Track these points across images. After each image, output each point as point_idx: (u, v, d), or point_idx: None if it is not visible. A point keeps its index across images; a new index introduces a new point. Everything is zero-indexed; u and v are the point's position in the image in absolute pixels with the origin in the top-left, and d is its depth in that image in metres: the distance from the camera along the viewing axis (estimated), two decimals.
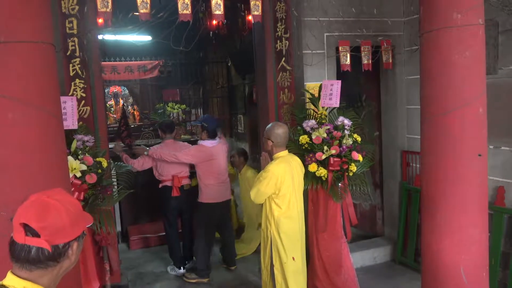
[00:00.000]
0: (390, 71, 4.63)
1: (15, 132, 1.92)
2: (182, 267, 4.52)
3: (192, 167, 4.48)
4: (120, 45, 9.15)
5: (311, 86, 4.12)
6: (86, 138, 3.22)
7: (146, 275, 4.65)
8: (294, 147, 3.69)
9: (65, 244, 1.18)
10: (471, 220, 2.49)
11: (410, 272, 4.40)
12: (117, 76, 9.82)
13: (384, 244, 4.82)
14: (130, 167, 4.07)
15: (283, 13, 4.05)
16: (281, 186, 3.09)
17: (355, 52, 4.22)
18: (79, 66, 3.43)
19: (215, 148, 4.24)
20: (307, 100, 4.03)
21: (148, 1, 3.23)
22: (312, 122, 3.69)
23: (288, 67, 4.13)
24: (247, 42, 5.43)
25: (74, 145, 3.08)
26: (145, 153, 4.31)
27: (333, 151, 3.54)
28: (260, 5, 3.63)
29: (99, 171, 3.19)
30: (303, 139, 3.64)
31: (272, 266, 3.20)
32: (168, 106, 9.72)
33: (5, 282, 1.16)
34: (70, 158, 2.97)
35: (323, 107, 3.81)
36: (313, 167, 3.57)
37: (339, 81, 3.73)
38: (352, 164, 3.63)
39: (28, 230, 1.13)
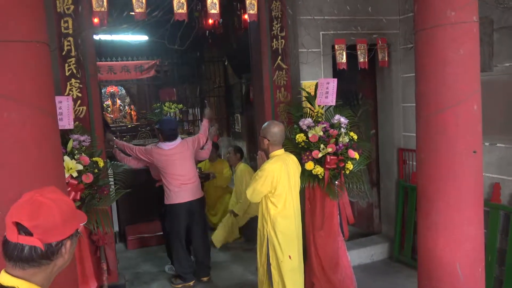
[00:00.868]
0: (386, 69, 4.65)
1: (10, 131, 1.92)
2: None
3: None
4: (116, 45, 9.14)
5: (307, 84, 4.13)
6: (82, 138, 3.22)
7: (144, 274, 4.65)
8: (291, 146, 3.70)
9: (58, 243, 1.18)
10: (466, 217, 2.50)
11: (407, 269, 4.41)
12: (113, 76, 9.82)
13: (381, 241, 4.84)
14: (126, 166, 4.06)
15: (279, 12, 4.05)
16: (277, 185, 3.09)
17: (351, 50, 4.23)
18: (74, 66, 3.43)
19: (172, 150, 4.13)
20: (304, 98, 4.04)
21: (144, 0, 3.23)
22: (308, 121, 3.69)
23: (284, 66, 4.14)
24: (244, 41, 5.42)
25: (70, 145, 3.07)
26: (111, 143, 4.23)
27: (329, 149, 3.55)
28: (255, 3, 3.63)
29: (96, 170, 3.19)
30: (300, 137, 3.65)
31: (268, 264, 3.20)
32: (165, 106, 9.71)
33: None
34: (66, 158, 2.97)
35: (319, 106, 3.82)
36: (309, 165, 3.57)
37: (335, 80, 3.74)
38: (349, 162, 3.63)
39: (21, 228, 1.13)
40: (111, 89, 11.17)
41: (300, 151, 3.64)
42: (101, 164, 3.27)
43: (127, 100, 11.42)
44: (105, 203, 3.26)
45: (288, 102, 4.16)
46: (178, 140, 4.21)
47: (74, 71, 3.43)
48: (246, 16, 4.02)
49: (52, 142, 2.11)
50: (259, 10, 3.78)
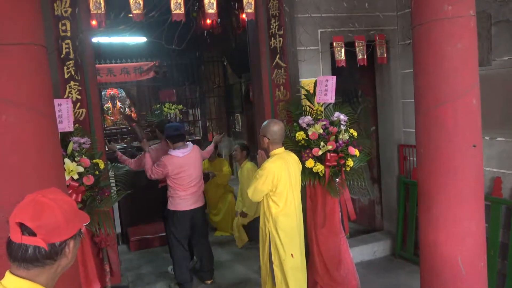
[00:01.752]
0: (385, 65, 4.64)
1: (9, 134, 1.92)
2: None
3: None
4: (115, 47, 9.15)
5: (306, 82, 4.13)
6: (82, 140, 3.22)
7: (147, 275, 4.66)
8: (291, 144, 3.70)
9: (61, 243, 1.19)
10: (467, 211, 2.50)
11: (409, 265, 4.41)
12: (113, 78, 9.83)
13: (383, 238, 4.84)
14: (127, 168, 4.07)
15: (276, 10, 4.05)
16: (278, 184, 3.09)
17: (349, 47, 4.23)
18: (73, 68, 3.43)
19: (186, 158, 4.05)
20: (303, 96, 4.04)
21: (141, 2, 3.24)
22: (308, 118, 3.69)
23: (283, 64, 4.14)
24: (242, 41, 5.42)
25: (70, 147, 3.08)
26: (146, 149, 4.20)
27: (329, 147, 3.55)
28: (253, 2, 3.63)
29: (96, 172, 3.20)
30: (300, 135, 3.65)
31: (271, 263, 3.21)
32: (165, 107, 9.73)
33: (3, 281, 1.18)
34: (67, 160, 2.97)
35: (318, 103, 3.82)
36: (310, 163, 3.57)
37: (334, 77, 3.74)
38: (349, 159, 3.63)
39: (24, 229, 1.15)
40: (111, 91, 11.18)
41: (300, 149, 3.65)
42: (102, 166, 3.27)
43: (127, 102, 11.43)
44: (106, 204, 3.26)
45: (287, 100, 4.16)
46: (190, 147, 4.15)
47: (73, 74, 3.44)
48: (244, 15, 4.01)
49: (52, 144, 2.11)
50: (257, 9, 3.78)
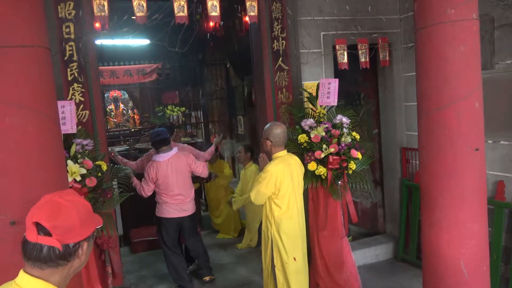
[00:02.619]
0: (388, 68, 4.64)
1: (12, 136, 1.93)
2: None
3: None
4: (118, 50, 9.19)
5: (309, 85, 4.13)
6: (85, 142, 3.23)
7: (149, 277, 4.66)
8: (293, 146, 3.70)
9: (75, 244, 1.21)
10: (470, 214, 2.49)
11: (412, 269, 4.40)
12: (116, 80, 9.87)
13: (386, 241, 4.83)
14: (129, 170, 4.08)
15: (279, 13, 4.06)
16: (280, 186, 3.09)
17: (352, 50, 4.23)
18: (76, 70, 3.44)
19: (166, 162, 4.02)
20: (305, 99, 4.04)
21: (144, 4, 3.25)
22: (310, 121, 3.69)
23: (286, 67, 4.14)
24: (245, 43, 5.43)
25: (73, 149, 3.08)
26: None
27: (332, 150, 3.55)
28: (256, 5, 3.64)
29: (99, 174, 3.20)
30: (302, 138, 3.65)
31: (273, 266, 3.21)
32: (167, 109, 9.74)
33: (17, 280, 1.20)
34: (69, 162, 2.98)
35: (321, 106, 3.82)
36: (312, 166, 3.57)
37: (337, 80, 3.74)
38: (352, 162, 3.63)
39: (40, 229, 1.16)
40: (114, 93, 11.22)
41: (303, 152, 3.64)
42: (104, 167, 3.27)
43: (130, 104, 11.47)
44: (108, 206, 3.27)
45: (289, 103, 4.16)
46: (173, 151, 4.11)
47: (77, 76, 3.45)
48: (246, 18, 4.02)
49: (55, 146, 2.12)
50: (260, 12, 3.79)
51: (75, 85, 3.46)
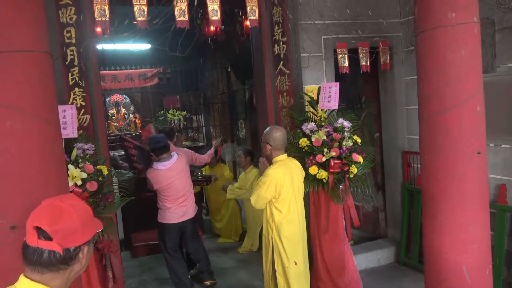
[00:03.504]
0: (389, 72, 4.64)
1: (13, 140, 1.92)
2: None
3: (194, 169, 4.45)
4: (120, 54, 9.22)
5: (310, 89, 4.14)
6: (86, 146, 3.22)
7: (150, 282, 4.65)
8: (294, 150, 3.69)
9: (76, 248, 1.21)
10: (472, 218, 2.48)
11: (414, 273, 4.38)
12: (118, 84, 9.89)
13: (387, 245, 4.81)
14: (131, 174, 4.08)
15: (280, 17, 4.07)
16: (281, 190, 3.08)
17: (353, 54, 4.23)
18: (78, 75, 3.45)
19: (168, 170, 4.03)
20: (306, 103, 4.04)
21: (145, 9, 3.26)
22: (311, 125, 3.69)
23: (286, 71, 4.14)
24: (246, 47, 5.45)
25: (74, 153, 3.08)
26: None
27: (333, 153, 3.54)
28: (256, 10, 3.65)
29: (100, 178, 3.20)
30: (303, 142, 3.64)
31: (274, 270, 3.19)
32: (169, 113, 9.75)
33: (18, 285, 1.20)
34: (70, 166, 2.97)
35: (322, 110, 3.82)
36: (313, 170, 3.56)
37: (338, 83, 3.74)
38: (353, 165, 3.62)
39: (41, 233, 1.16)
40: (116, 97, 11.24)
41: (304, 156, 3.64)
42: (105, 172, 3.27)
43: (132, 108, 11.48)
44: (109, 210, 3.26)
45: (290, 106, 4.16)
46: (174, 157, 4.12)
47: (78, 80, 3.45)
48: (247, 22, 4.03)
49: (55, 150, 2.12)
50: (260, 16, 3.80)
51: (76, 89, 3.46)
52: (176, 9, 3.30)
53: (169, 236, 4.15)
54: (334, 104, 3.73)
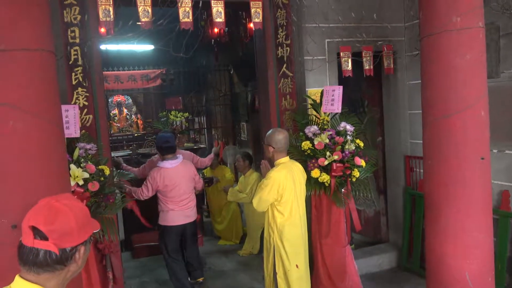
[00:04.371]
0: (392, 76, 4.63)
1: (15, 140, 1.92)
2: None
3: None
4: (123, 55, 9.23)
5: (313, 92, 4.13)
6: (88, 146, 3.22)
7: (150, 283, 4.64)
8: (297, 153, 3.68)
9: (72, 248, 1.20)
10: (475, 224, 2.46)
11: (415, 278, 4.36)
12: (120, 85, 9.90)
13: (389, 250, 4.79)
14: (132, 175, 4.07)
15: (284, 20, 4.06)
16: (283, 193, 3.07)
17: (357, 58, 4.23)
18: (81, 74, 3.45)
19: (174, 170, 4.01)
20: (309, 106, 4.03)
21: (150, 10, 3.26)
22: (314, 128, 3.68)
23: (290, 74, 4.14)
24: (249, 50, 5.44)
25: (76, 153, 3.08)
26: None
27: (335, 157, 3.53)
28: (261, 12, 3.64)
29: (102, 178, 3.19)
30: (305, 145, 3.63)
31: (275, 274, 3.18)
32: (171, 115, 9.74)
33: (13, 285, 1.18)
34: (72, 166, 2.97)
35: (325, 113, 3.81)
36: (315, 173, 3.55)
37: (341, 87, 3.73)
38: (355, 169, 3.61)
39: (37, 233, 1.15)
40: (118, 98, 11.26)
41: (306, 159, 3.63)
42: (107, 172, 3.27)
43: (134, 109, 11.50)
44: (111, 211, 3.25)
45: (293, 109, 4.16)
46: (180, 159, 4.12)
47: (81, 80, 3.45)
48: (251, 25, 4.03)
49: (57, 150, 2.11)
50: (264, 19, 3.79)
51: (79, 89, 3.46)
52: (180, 11, 3.30)
53: (171, 239, 4.14)
54: (337, 108, 3.72)
